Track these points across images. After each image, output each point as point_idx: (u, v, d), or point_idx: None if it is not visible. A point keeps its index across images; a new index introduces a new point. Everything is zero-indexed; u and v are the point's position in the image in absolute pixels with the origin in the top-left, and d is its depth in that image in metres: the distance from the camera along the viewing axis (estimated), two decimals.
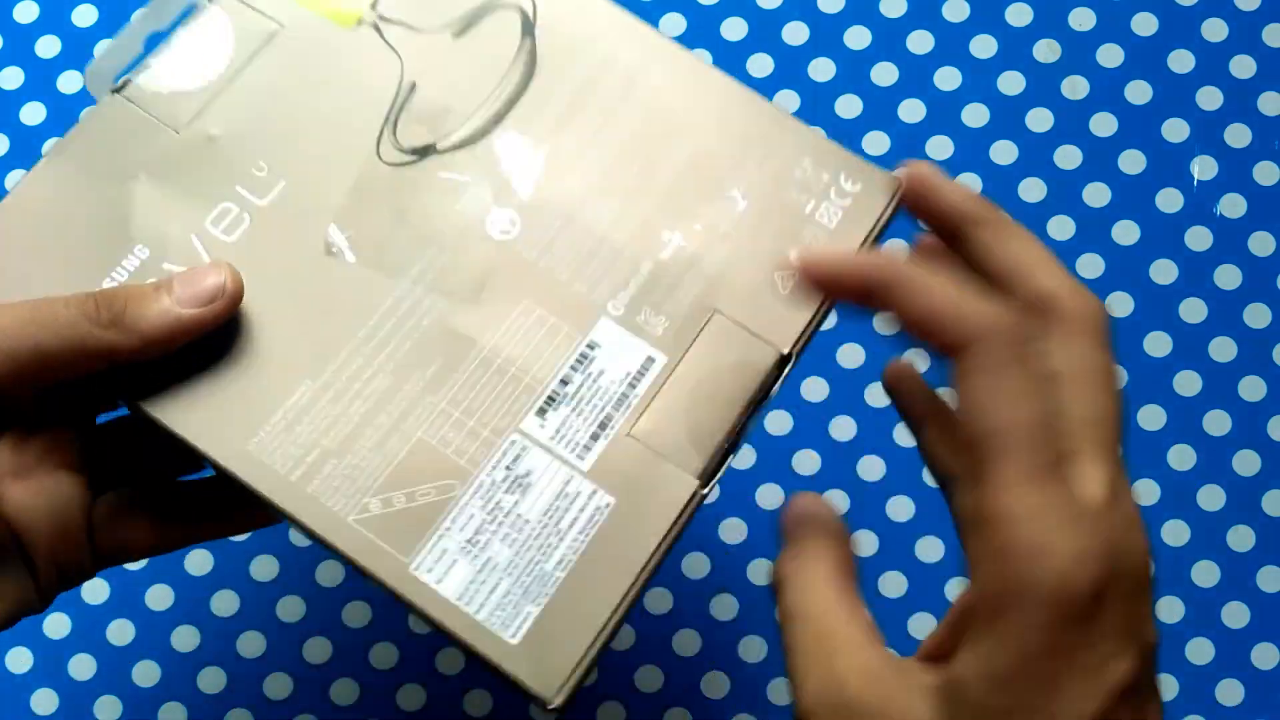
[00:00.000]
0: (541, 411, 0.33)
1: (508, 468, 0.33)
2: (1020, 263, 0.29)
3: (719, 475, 0.33)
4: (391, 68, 0.37)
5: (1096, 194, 0.59)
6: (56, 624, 0.54)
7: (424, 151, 0.36)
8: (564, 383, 0.33)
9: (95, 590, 0.54)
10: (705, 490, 0.32)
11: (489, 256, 0.35)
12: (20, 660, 0.53)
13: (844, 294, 0.28)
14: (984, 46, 0.60)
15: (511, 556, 0.32)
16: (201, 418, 0.33)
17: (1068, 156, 0.59)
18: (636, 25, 0.37)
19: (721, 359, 0.34)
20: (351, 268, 0.35)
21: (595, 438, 0.33)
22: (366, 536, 0.32)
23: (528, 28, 0.37)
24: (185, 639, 0.54)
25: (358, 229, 0.35)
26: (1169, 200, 0.59)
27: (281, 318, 0.34)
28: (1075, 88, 0.60)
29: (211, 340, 0.33)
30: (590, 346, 0.34)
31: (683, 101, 0.36)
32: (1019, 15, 0.61)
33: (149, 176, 0.35)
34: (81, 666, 0.53)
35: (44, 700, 0.53)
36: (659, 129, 0.36)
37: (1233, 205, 0.58)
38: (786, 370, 0.34)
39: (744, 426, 0.33)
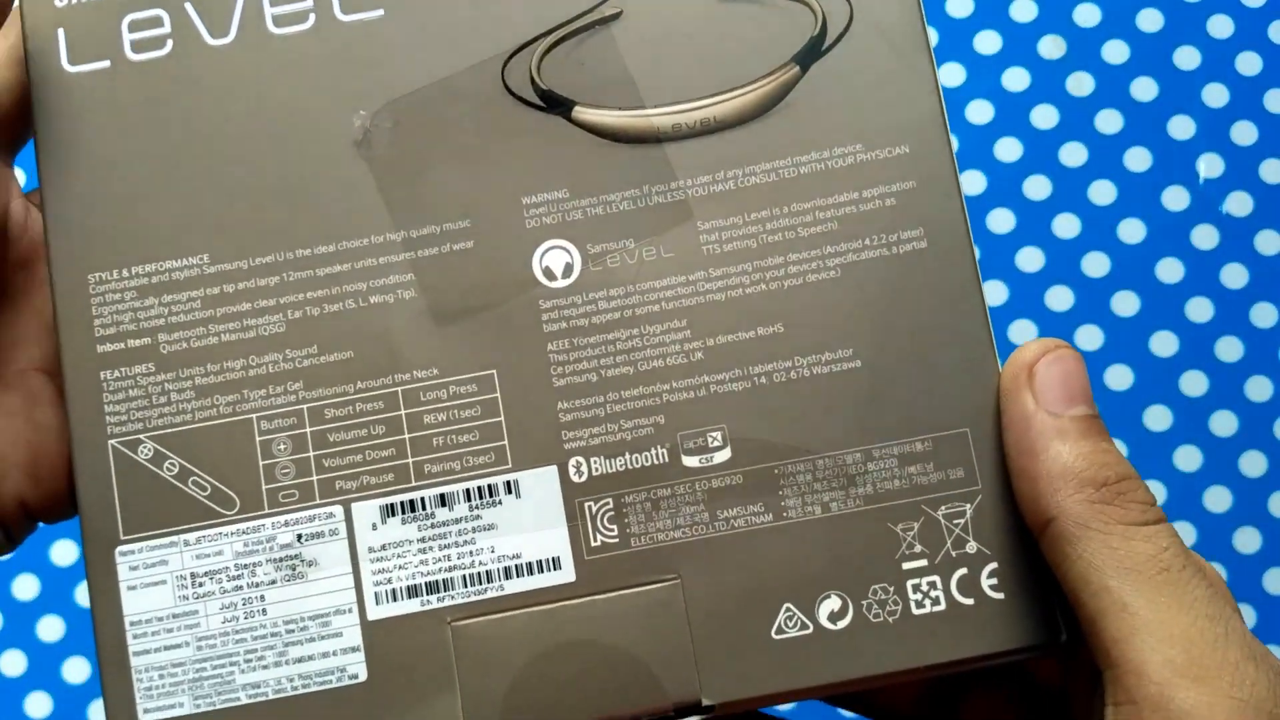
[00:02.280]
0: (389, 511, 0.25)
1: (299, 536, 0.25)
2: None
3: None
4: None
5: (1102, 192, 0.59)
6: (50, 628, 0.54)
7: (556, 105, 0.26)
8: (442, 502, 0.25)
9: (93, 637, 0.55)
10: None
11: (513, 289, 0.26)
12: (14, 663, 0.54)
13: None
14: (988, 43, 0.60)
15: (217, 632, 0.25)
16: (78, 207, 0.26)
17: (1072, 154, 0.59)
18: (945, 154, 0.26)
19: (631, 644, 0.25)
20: (359, 175, 0.26)
21: (413, 594, 0.25)
22: (108, 471, 0.26)
23: (811, 52, 0.27)
24: (50, 629, 0.53)
25: (408, 139, 0.26)
26: (1175, 198, 0.58)
27: (246, 162, 0.26)
28: (1081, 85, 0.60)
29: (156, 132, 0.26)
30: (508, 487, 0.25)
31: (916, 298, 0.26)
32: (1023, 11, 0.60)
33: None
34: (75, 670, 0.54)
35: (38, 703, 0.53)
36: (834, 316, 0.26)
37: (1239, 203, 0.58)
38: (695, 719, 0.25)
39: None
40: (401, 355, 0.26)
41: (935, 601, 0.25)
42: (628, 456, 0.25)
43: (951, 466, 0.25)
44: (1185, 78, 0.59)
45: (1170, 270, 0.57)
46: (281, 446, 0.26)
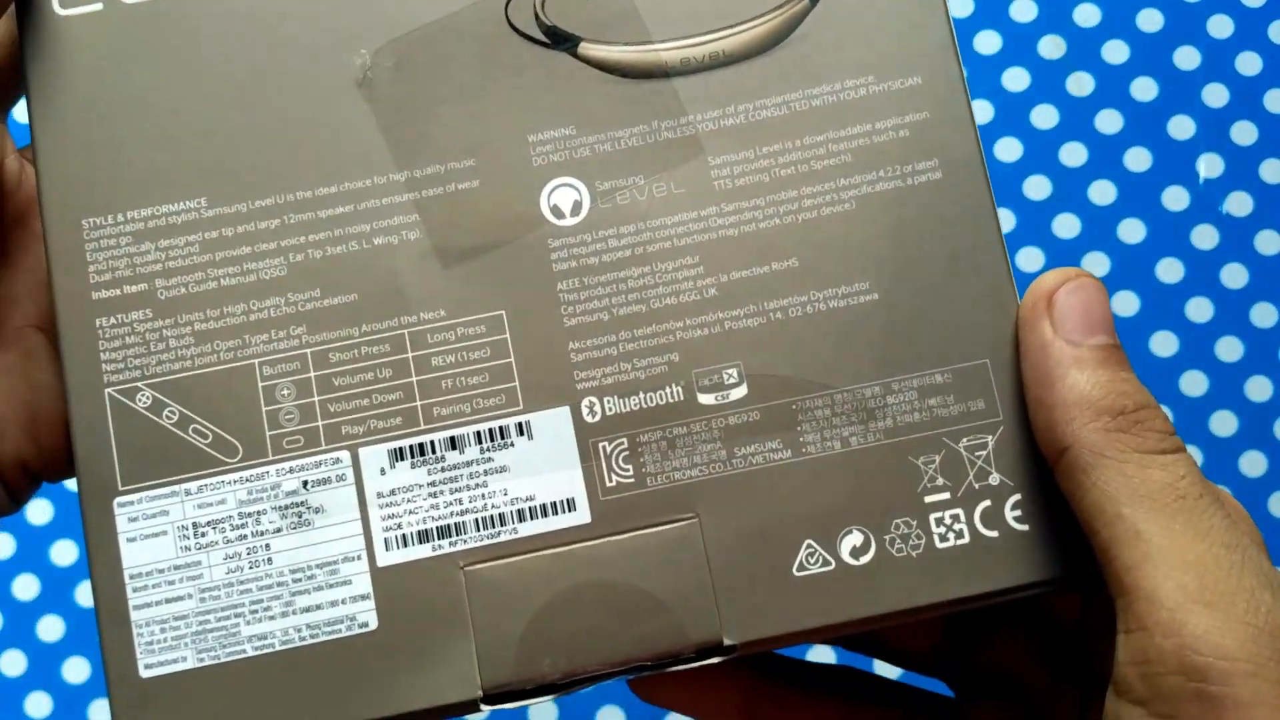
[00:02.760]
0: (398, 455, 0.25)
1: (305, 484, 0.25)
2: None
3: (512, 705, 0.25)
4: None
5: (1102, 192, 0.59)
6: (50, 627, 0.54)
7: (561, 41, 0.26)
8: (453, 445, 0.25)
9: (89, 594, 0.54)
10: (481, 710, 0.25)
11: (521, 228, 0.25)
12: (14, 663, 0.53)
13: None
14: (988, 43, 0.60)
15: (220, 583, 0.25)
16: (71, 152, 0.26)
17: (1072, 154, 0.59)
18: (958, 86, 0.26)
19: (649, 585, 0.25)
20: (361, 114, 0.26)
21: (424, 539, 0.25)
22: (105, 421, 0.25)
23: None
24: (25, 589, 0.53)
25: (411, 77, 0.26)
26: (1175, 198, 0.59)
27: (244, 104, 0.26)
28: (1081, 85, 0.61)
29: (152, 74, 0.26)
30: (519, 429, 0.25)
31: (942, 226, 0.26)
32: (1023, 11, 0.61)
33: None
34: (76, 670, 0.53)
35: (38, 703, 0.53)
36: (849, 249, 0.26)
37: (1239, 203, 0.58)
38: (716, 660, 0.24)
39: (598, 680, 0.25)
40: (407, 297, 0.25)
41: (959, 535, 0.25)
42: (642, 395, 0.25)
43: (972, 398, 0.25)
44: (1185, 78, 0.59)
45: (1170, 270, 0.57)
46: (285, 392, 0.25)
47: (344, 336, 0.25)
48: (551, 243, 0.25)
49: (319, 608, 0.24)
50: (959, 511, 0.25)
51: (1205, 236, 0.57)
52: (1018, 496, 0.25)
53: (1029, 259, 0.57)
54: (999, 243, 0.25)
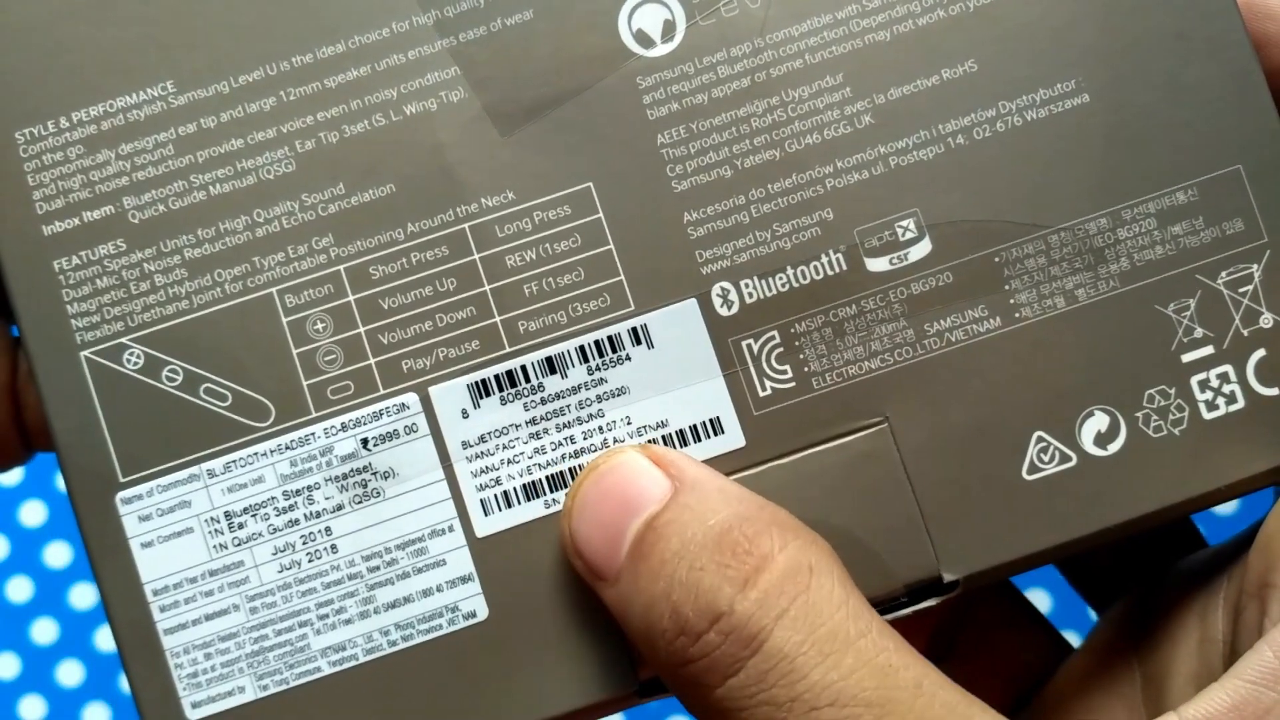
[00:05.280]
0: (482, 390, 0.21)
1: (364, 443, 0.21)
2: None
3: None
4: None
5: None
6: (44, 630, 0.54)
7: None
8: (550, 366, 0.21)
9: (84, 596, 0.55)
10: (638, 701, 0.21)
11: (598, 67, 0.21)
12: (8, 667, 0.54)
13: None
14: None
15: (275, 587, 0.21)
16: None
17: None
18: None
19: (836, 518, 0.21)
20: None
21: (532, 493, 0.21)
22: (87, 395, 0.21)
23: None
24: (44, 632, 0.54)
25: None
26: None
27: None
28: None
29: None
30: (635, 336, 0.21)
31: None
32: None
33: None
34: (69, 673, 0.54)
35: (32, 707, 0.54)
36: (1045, 39, 0.21)
37: None
38: (935, 601, 0.21)
39: None
40: (461, 180, 0.21)
41: (1230, 399, 0.21)
42: (790, 272, 0.21)
43: (1227, 218, 0.21)
44: None
45: None
46: (319, 326, 0.21)
47: (386, 243, 0.21)
48: (641, 81, 0.21)
49: (409, 600, 0.21)
50: (1228, 369, 0.21)
51: None
52: None
53: None
54: (1235, 11, 0.21)
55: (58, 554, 0.57)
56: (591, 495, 0.20)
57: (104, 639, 0.54)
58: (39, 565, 0.56)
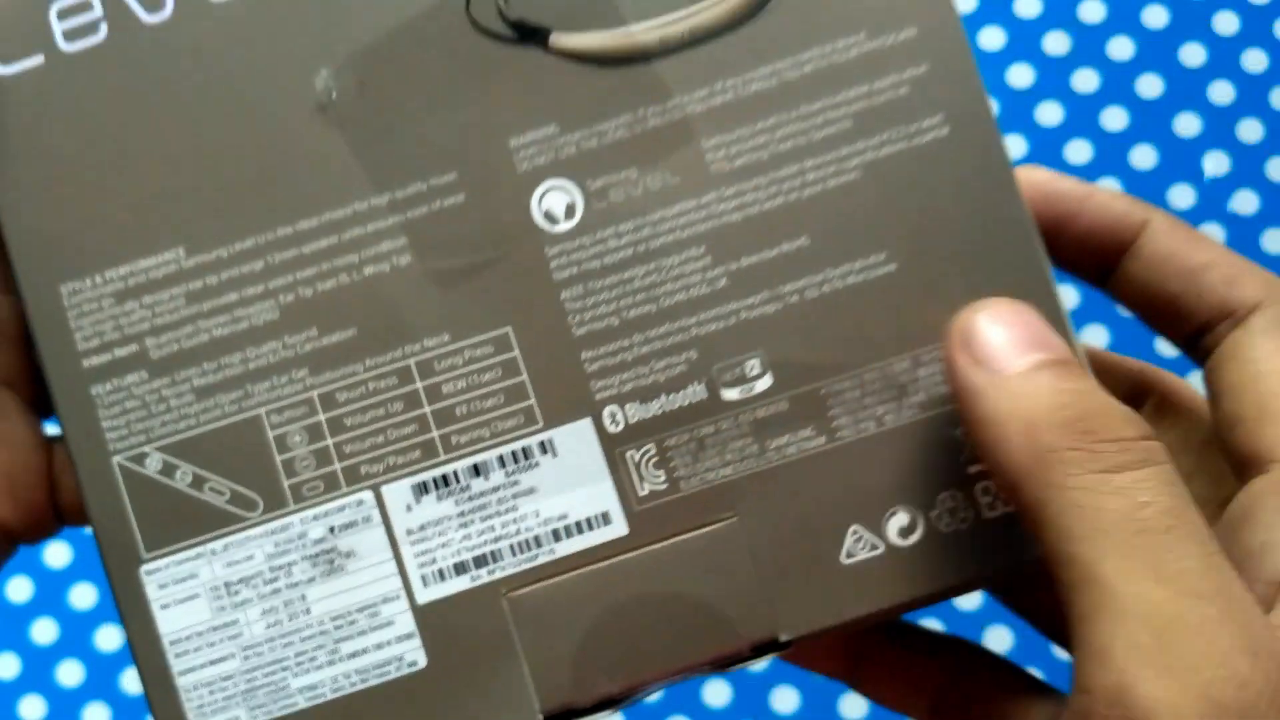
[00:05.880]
0: (422, 490, 0.27)
1: (331, 529, 0.27)
2: (1226, 258, 0.26)
3: None
4: None
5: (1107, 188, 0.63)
6: (44, 630, 0.57)
7: (530, 35, 0.27)
8: (476, 472, 0.27)
9: (83, 596, 0.57)
10: None
11: (515, 239, 0.27)
12: (8, 667, 0.57)
13: (1077, 234, 0.27)
14: (992, 38, 0.64)
15: (262, 639, 0.27)
16: (38, 218, 0.27)
17: (1078, 151, 0.63)
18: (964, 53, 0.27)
19: (696, 589, 0.27)
20: (331, 140, 0.27)
21: (461, 570, 0.27)
22: (119, 493, 0.27)
23: None
24: (44, 631, 0.57)
25: (376, 94, 0.27)
26: (1181, 196, 0.62)
27: (207, 145, 0.27)
28: (1086, 81, 0.63)
29: (107, 125, 0.28)
30: (544, 447, 0.27)
31: (942, 184, 0.27)
32: (1028, 7, 0.64)
33: None
34: (70, 673, 0.57)
35: (32, 707, 0.57)
36: (860, 220, 0.27)
37: (1245, 201, 0.62)
38: (768, 656, 0.27)
39: (661, 685, 0.27)
40: (408, 325, 0.27)
41: (1005, 502, 0.27)
42: (664, 398, 0.27)
43: None
44: (1191, 75, 0.63)
45: None
46: (297, 438, 0.27)
47: (349, 374, 0.27)
48: (549, 250, 0.27)
49: (365, 652, 0.27)
50: None
51: (1212, 234, 0.60)
52: None
53: None
54: (1017, 193, 0.27)
55: (57, 554, 0.58)
56: (1006, 303, 0.24)
57: (104, 639, 0.56)
58: (39, 565, 0.57)
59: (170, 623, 0.27)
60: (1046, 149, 0.61)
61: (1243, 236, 0.61)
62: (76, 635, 0.57)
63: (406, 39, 0.27)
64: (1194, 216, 0.60)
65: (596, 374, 0.27)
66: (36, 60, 0.28)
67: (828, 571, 0.27)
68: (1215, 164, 0.61)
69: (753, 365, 0.27)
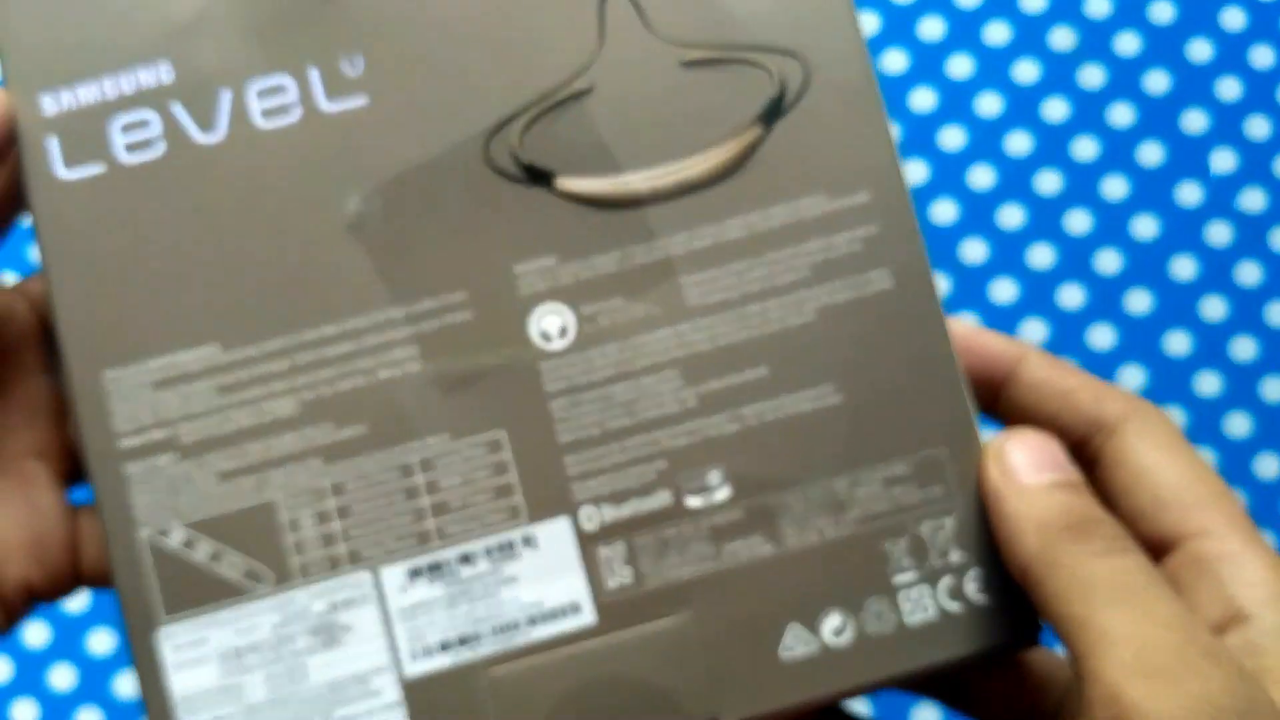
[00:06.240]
0: (415, 573, 0.30)
1: (332, 604, 0.30)
2: (1089, 382, 0.32)
3: None
4: (582, 49, 0.32)
5: (1115, 186, 0.63)
6: (36, 634, 0.58)
7: (537, 177, 0.32)
8: (465, 560, 0.31)
9: (77, 600, 0.58)
10: None
11: (509, 354, 0.31)
12: None
13: (981, 367, 0.32)
14: (998, 33, 0.65)
15: (264, 701, 0.30)
16: (88, 309, 0.31)
17: (1085, 148, 0.64)
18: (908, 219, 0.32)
19: (652, 675, 0.30)
20: (357, 256, 0.31)
21: (446, 647, 0.30)
22: (144, 562, 0.30)
23: (773, 111, 0.32)
24: (62, 678, 0.57)
25: (400, 219, 0.31)
26: (1188, 194, 0.63)
27: (247, 254, 0.31)
28: (1093, 78, 0.64)
29: (158, 231, 0.31)
30: (526, 541, 0.31)
31: (897, 345, 0.31)
32: (1033, 1, 0.65)
33: None
34: (62, 677, 0.58)
35: (24, 711, 0.58)
36: (813, 356, 0.31)
37: (1253, 199, 0.63)
38: None
39: None
40: (413, 424, 0.31)
41: (925, 610, 0.30)
42: (635, 502, 0.31)
43: (930, 485, 0.31)
44: (1198, 71, 0.64)
45: (1184, 267, 0.62)
46: (308, 521, 0.30)
47: (357, 466, 0.31)
48: (542, 365, 0.31)
49: (356, 718, 0.30)
50: (925, 588, 0.30)
51: (1219, 233, 0.62)
52: (977, 570, 0.31)
53: (1040, 255, 0.62)
54: (947, 343, 0.31)
55: (101, 641, 0.59)
56: (1034, 434, 0.30)
57: (97, 643, 0.57)
58: (82, 653, 0.59)
59: (182, 682, 0.30)
60: (1053, 145, 0.63)
61: (1251, 234, 0.61)
62: (69, 639, 0.58)
63: (429, 173, 0.32)
64: (1202, 215, 0.61)
65: (577, 477, 0.31)
66: (97, 169, 0.32)
67: (768, 664, 0.30)
68: (1223, 161, 0.63)
69: (714, 476, 0.31)
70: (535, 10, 0.32)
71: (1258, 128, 0.63)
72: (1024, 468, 0.30)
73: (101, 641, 0.57)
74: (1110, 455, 0.31)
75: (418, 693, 0.30)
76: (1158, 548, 0.30)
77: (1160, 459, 0.30)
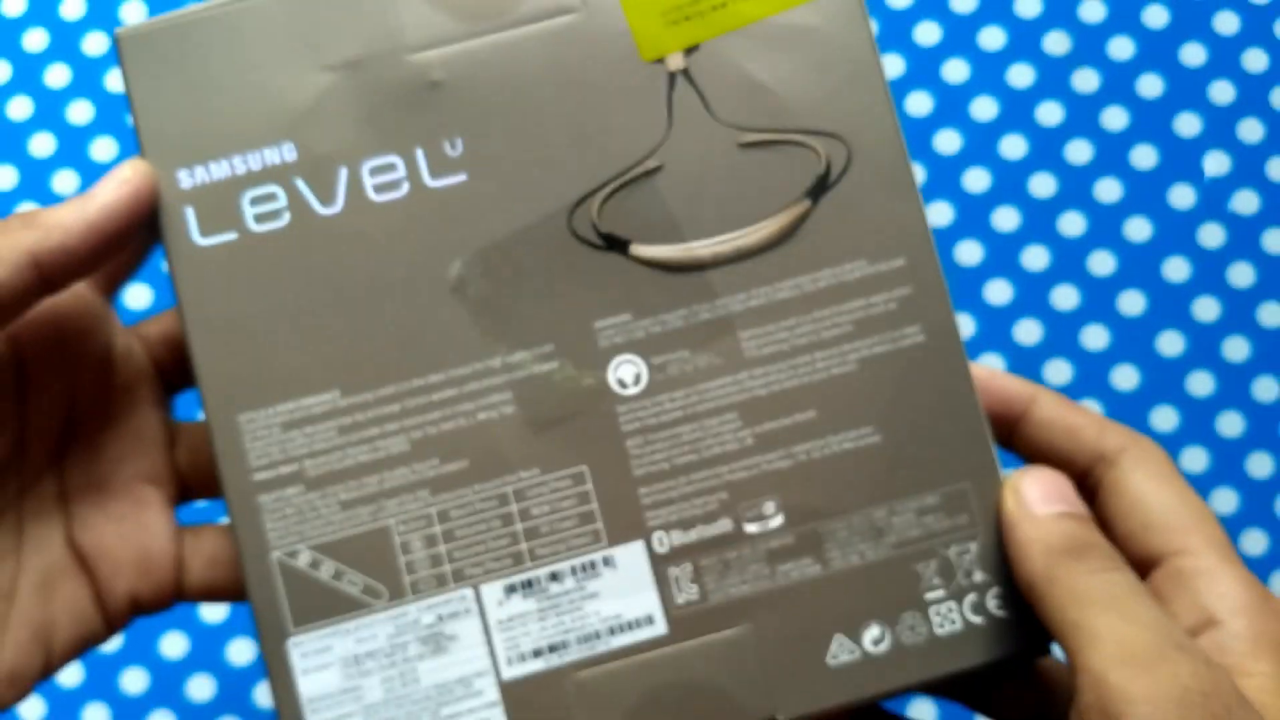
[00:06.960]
0: (511, 590, 0.35)
1: (439, 616, 0.34)
2: (1093, 419, 0.36)
3: None
4: (653, 132, 0.36)
5: (1108, 189, 0.65)
6: (68, 673, 0.59)
7: (614, 245, 0.36)
8: (554, 578, 0.35)
9: (214, 610, 0.60)
10: None
11: (594, 399, 0.35)
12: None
13: (999, 406, 0.36)
14: (992, 38, 0.66)
15: (379, 703, 0.34)
16: (224, 360, 0.35)
17: (1079, 151, 0.65)
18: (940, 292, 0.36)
19: (716, 679, 0.35)
20: (459, 314, 0.35)
21: (538, 654, 0.34)
22: (275, 580, 0.34)
23: (820, 187, 0.37)
24: (200, 689, 0.59)
25: (496, 281, 0.35)
26: (1181, 196, 0.65)
27: (363, 311, 0.35)
28: (1086, 81, 0.66)
29: (284, 291, 0.35)
30: (606, 561, 0.35)
31: (929, 400, 0.36)
32: (1028, 6, 0.67)
33: (345, 76, 0.36)
34: (68, 673, 0.59)
35: (31, 708, 0.59)
36: (855, 401, 0.36)
37: (1246, 201, 0.65)
38: None
39: None
40: (508, 460, 0.35)
41: (953, 623, 0.35)
42: (700, 528, 0.35)
43: (957, 514, 0.36)
44: (1191, 75, 0.66)
45: (1177, 269, 0.64)
46: (417, 544, 0.35)
47: (460, 495, 0.35)
48: (619, 409, 0.36)
49: (460, 715, 0.34)
50: (952, 604, 0.35)
51: (1212, 235, 0.64)
52: (997, 589, 0.36)
53: (1034, 258, 0.64)
54: (973, 391, 0.36)
55: (240, 652, 0.61)
56: (1047, 472, 0.34)
57: (128, 682, 0.58)
58: (222, 663, 0.60)
59: (309, 686, 0.34)
60: (1046, 148, 0.64)
61: (1243, 236, 0.63)
62: (102, 679, 0.59)
63: (521, 240, 0.36)
64: (1195, 217, 0.62)
65: (650, 506, 0.35)
66: (230, 236, 0.36)
67: (817, 669, 0.35)
68: (1216, 164, 0.63)
69: (769, 506, 0.36)
70: (613, 98, 0.36)
71: (1250, 131, 0.65)
72: (1036, 500, 0.34)
73: (241, 651, 0.59)
74: (1109, 484, 0.35)
75: (514, 693, 0.34)
76: (1146, 564, 0.34)
77: (1151, 487, 0.35)
